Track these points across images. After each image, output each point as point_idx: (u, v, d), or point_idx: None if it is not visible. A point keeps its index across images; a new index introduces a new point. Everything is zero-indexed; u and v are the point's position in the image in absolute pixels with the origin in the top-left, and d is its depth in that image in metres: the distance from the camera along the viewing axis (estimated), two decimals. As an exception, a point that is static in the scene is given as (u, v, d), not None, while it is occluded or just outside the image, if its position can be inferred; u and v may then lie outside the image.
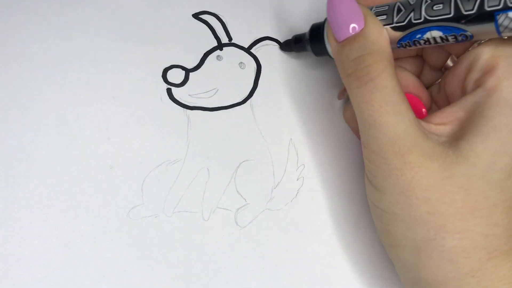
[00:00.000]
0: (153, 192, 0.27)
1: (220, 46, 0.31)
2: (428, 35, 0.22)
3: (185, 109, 0.29)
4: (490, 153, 0.20)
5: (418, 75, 0.28)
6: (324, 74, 0.32)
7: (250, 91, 0.30)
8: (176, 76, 0.29)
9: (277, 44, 0.32)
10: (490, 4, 0.19)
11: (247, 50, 0.31)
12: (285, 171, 0.29)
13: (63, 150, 0.26)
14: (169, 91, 0.29)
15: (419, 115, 0.26)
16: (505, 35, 0.20)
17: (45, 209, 0.25)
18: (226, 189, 0.28)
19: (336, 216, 0.28)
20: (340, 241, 0.28)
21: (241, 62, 0.31)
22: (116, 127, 0.27)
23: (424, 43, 0.23)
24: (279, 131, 0.30)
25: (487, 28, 0.20)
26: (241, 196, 0.28)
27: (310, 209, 0.28)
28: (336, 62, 0.24)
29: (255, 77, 0.31)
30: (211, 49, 0.31)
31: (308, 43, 0.28)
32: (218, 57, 0.31)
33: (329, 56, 0.26)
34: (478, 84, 0.22)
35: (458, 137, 0.21)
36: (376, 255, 0.28)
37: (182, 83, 0.29)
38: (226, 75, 0.30)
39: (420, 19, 0.22)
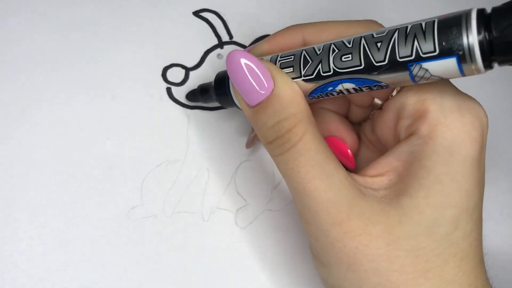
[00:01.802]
0: (152, 193, 0.26)
1: (220, 44, 0.31)
2: (340, 87, 0.20)
3: (185, 108, 0.29)
4: (435, 207, 0.19)
5: (345, 114, 0.26)
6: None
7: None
8: (176, 75, 0.29)
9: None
10: (402, 55, 0.18)
11: (248, 48, 0.31)
12: (285, 171, 0.29)
13: (62, 150, 0.26)
14: (169, 91, 0.29)
15: (346, 158, 0.24)
16: (422, 82, 0.19)
17: (44, 209, 0.25)
18: (226, 189, 0.28)
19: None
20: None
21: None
22: (116, 127, 0.27)
23: (337, 94, 0.21)
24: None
25: (401, 77, 0.18)
26: (241, 196, 0.28)
27: (310, 210, 0.28)
28: (254, 128, 0.22)
29: (256, 76, 0.30)
30: (211, 47, 0.30)
31: (214, 95, 0.26)
32: (218, 55, 0.30)
33: (239, 108, 0.24)
34: (411, 131, 0.20)
35: (398, 191, 0.20)
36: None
37: (182, 82, 0.29)
38: (227, 73, 0.30)
39: (329, 71, 0.20)
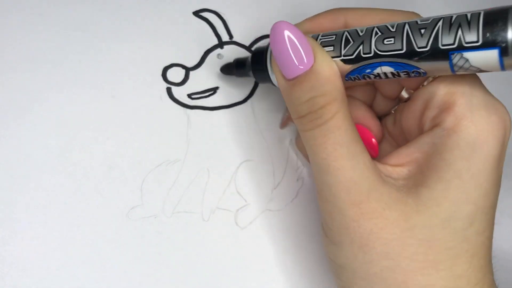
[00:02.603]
0: (152, 193, 0.26)
1: (220, 44, 0.31)
2: (378, 70, 0.20)
3: (185, 108, 0.29)
4: (452, 201, 0.19)
5: (370, 104, 0.26)
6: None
7: (251, 90, 0.30)
8: (176, 75, 0.29)
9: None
10: (444, 43, 0.18)
11: (248, 48, 0.31)
12: (285, 171, 0.29)
13: (62, 150, 0.26)
14: (169, 90, 0.29)
15: (370, 147, 0.25)
16: (460, 73, 0.19)
17: (44, 209, 0.25)
18: (226, 189, 0.28)
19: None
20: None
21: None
22: (115, 127, 0.27)
23: (374, 78, 0.21)
24: (279, 131, 0.29)
25: (440, 65, 0.19)
26: (241, 196, 0.28)
27: (310, 210, 0.28)
28: (286, 102, 0.22)
29: (256, 76, 0.30)
30: (211, 47, 0.30)
31: (250, 69, 0.26)
32: (218, 55, 0.30)
33: (273, 85, 0.25)
34: (436, 122, 0.21)
35: (417, 182, 0.20)
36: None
37: (182, 82, 0.29)
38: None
39: (370, 53, 0.20)
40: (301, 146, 0.28)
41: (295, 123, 0.22)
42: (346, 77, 0.22)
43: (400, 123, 0.24)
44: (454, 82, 0.20)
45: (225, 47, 0.31)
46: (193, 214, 0.27)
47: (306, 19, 0.25)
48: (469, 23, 0.18)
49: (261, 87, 0.30)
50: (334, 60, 0.21)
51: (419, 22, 0.19)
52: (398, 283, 0.19)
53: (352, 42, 0.21)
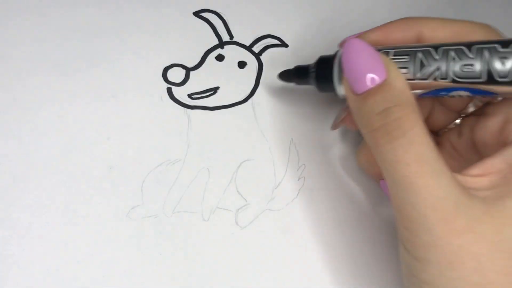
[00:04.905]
0: (153, 192, 0.26)
1: (221, 44, 0.31)
2: (454, 93, 0.20)
3: (185, 108, 0.29)
4: None
5: (427, 117, 0.26)
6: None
7: (252, 90, 0.30)
8: (176, 75, 0.29)
9: (279, 42, 0.32)
10: None
11: (249, 48, 0.31)
12: (286, 171, 0.28)
13: (62, 150, 0.26)
14: (169, 90, 0.29)
15: None
16: None
17: (45, 209, 0.25)
18: (227, 189, 0.28)
19: (337, 216, 0.28)
20: (341, 241, 0.28)
21: (242, 61, 0.30)
22: (116, 127, 0.27)
23: (448, 97, 0.21)
24: (280, 130, 0.29)
25: None
26: (242, 196, 0.28)
27: (311, 209, 0.28)
28: (356, 115, 0.21)
29: (257, 76, 0.30)
30: (212, 47, 0.30)
31: (314, 78, 0.25)
32: (219, 55, 0.30)
33: (336, 94, 0.24)
34: None
35: (502, 193, 0.20)
36: (377, 255, 0.28)
37: (183, 82, 0.29)
38: (227, 73, 0.30)
39: (446, 79, 0.20)
40: (363, 162, 0.27)
41: (366, 138, 0.21)
42: (420, 96, 0.21)
43: (470, 137, 0.24)
44: None
45: (226, 47, 0.31)
46: (193, 214, 0.27)
47: (376, 28, 0.24)
48: None
49: (261, 87, 0.30)
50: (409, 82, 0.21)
51: (499, 49, 0.19)
52: None
53: (426, 65, 0.20)
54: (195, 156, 0.28)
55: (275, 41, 0.31)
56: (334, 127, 0.28)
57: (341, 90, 0.23)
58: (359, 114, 0.21)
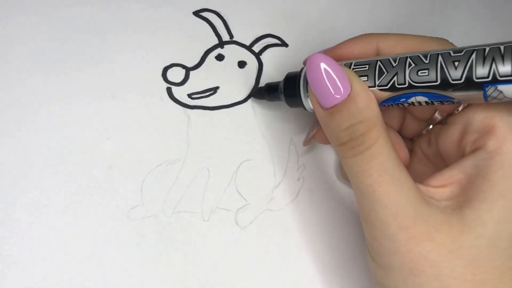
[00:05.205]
0: (152, 192, 0.26)
1: (221, 44, 0.31)
2: (412, 99, 0.21)
3: (185, 108, 0.29)
4: (497, 221, 0.20)
5: (399, 127, 0.27)
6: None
7: (252, 90, 0.30)
8: (176, 74, 0.29)
9: (279, 42, 0.32)
10: (478, 76, 0.18)
11: (249, 48, 0.31)
12: (285, 171, 0.28)
13: (62, 150, 0.26)
14: (169, 90, 0.29)
15: None
16: (493, 102, 0.19)
17: (44, 209, 0.25)
18: (227, 189, 0.27)
19: (336, 216, 0.28)
20: (340, 241, 0.28)
21: (242, 60, 0.30)
22: (116, 127, 0.27)
23: (408, 105, 0.22)
24: (280, 130, 0.29)
25: (474, 95, 0.19)
26: (242, 196, 0.28)
27: (310, 210, 0.28)
28: (325, 129, 0.22)
29: (257, 75, 0.30)
30: (212, 47, 0.30)
31: (282, 94, 0.26)
32: (219, 55, 0.30)
33: (305, 109, 0.25)
34: (477, 146, 0.21)
35: (460, 203, 0.21)
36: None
37: (183, 82, 0.29)
38: (227, 73, 0.30)
39: (404, 84, 0.20)
40: (345, 174, 0.28)
41: (336, 150, 0.22)
42: (380, 105, 0.22)
43: (436, 145, 0.24)
44: (491, 106, 0.21)
45: (226, 46, 0.31)
46: (193, 214, 0.27)
47: (337, 45, 0.25)
48: (502, 56, 0.18)
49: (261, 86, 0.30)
50: (371, 89, 0.21)
51: (452, 54, 0.19)
52: None
53: (386, 72, 0.21)
54: (195, 156, 0.28)
55: (275, 41, 0.31)
56: (305, 143, 0.29)
57: (308, 104, 0.24)
58: (328, 129, 0.22)
